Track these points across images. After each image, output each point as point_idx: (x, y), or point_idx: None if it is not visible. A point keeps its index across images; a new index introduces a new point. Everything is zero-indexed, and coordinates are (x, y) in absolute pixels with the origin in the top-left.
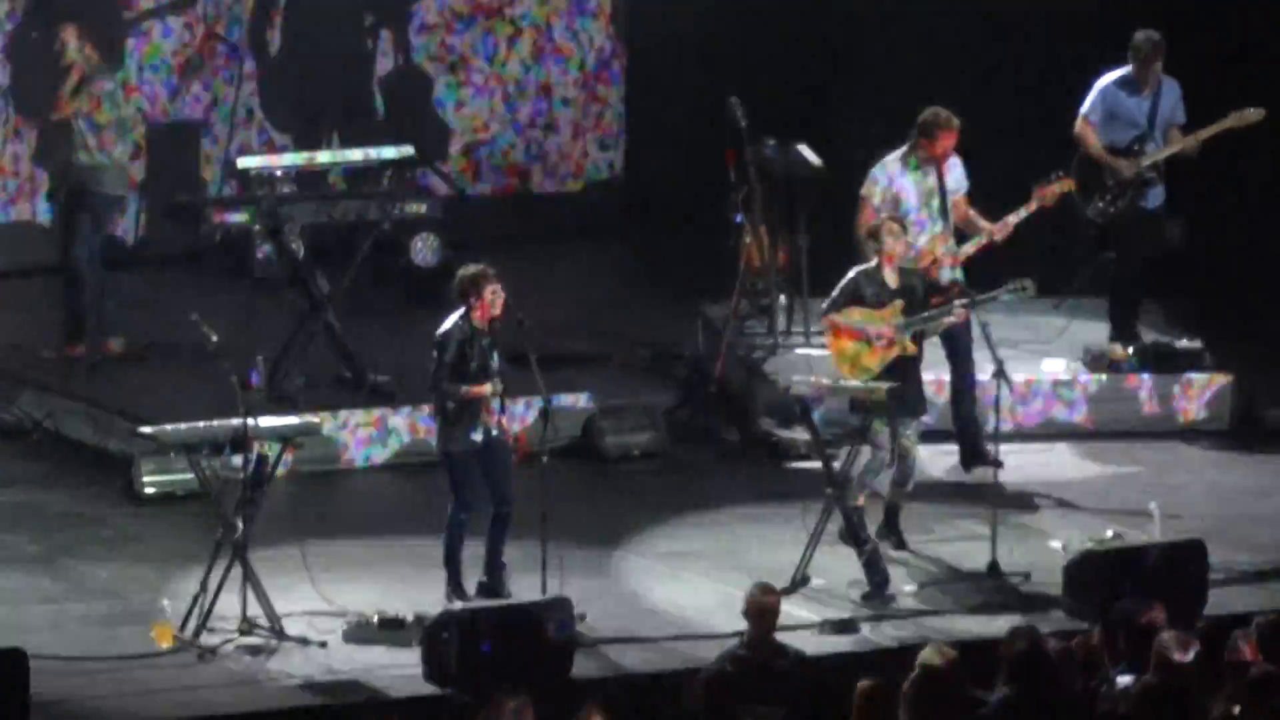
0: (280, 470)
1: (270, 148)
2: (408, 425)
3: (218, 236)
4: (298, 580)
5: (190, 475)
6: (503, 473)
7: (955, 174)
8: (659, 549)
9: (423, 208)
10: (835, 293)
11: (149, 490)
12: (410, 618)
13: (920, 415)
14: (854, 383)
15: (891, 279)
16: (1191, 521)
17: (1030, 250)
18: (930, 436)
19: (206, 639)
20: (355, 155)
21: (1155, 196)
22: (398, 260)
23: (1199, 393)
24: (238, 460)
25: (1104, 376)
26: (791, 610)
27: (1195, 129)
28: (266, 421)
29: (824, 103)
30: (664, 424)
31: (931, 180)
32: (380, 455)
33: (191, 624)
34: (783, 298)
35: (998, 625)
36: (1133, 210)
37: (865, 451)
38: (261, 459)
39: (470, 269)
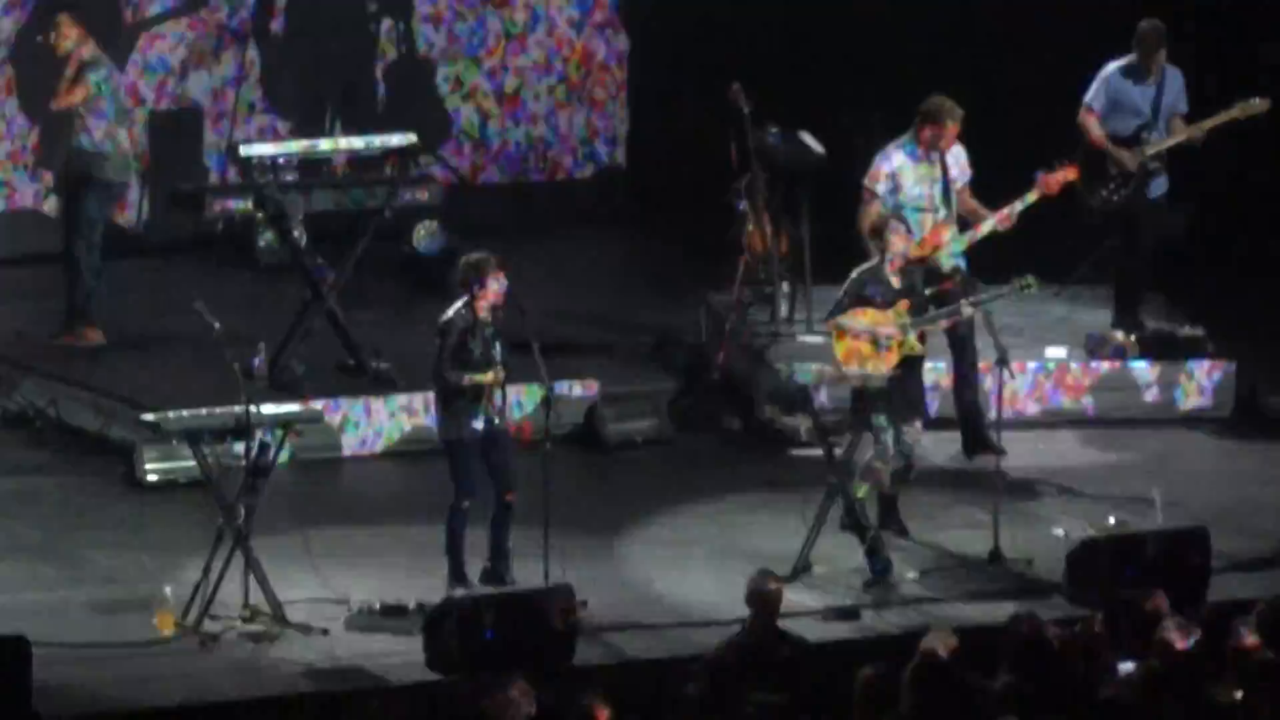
0: (282, 457)
1: (273, 135)
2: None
3: (220, 225)
4: (300, 568)
5: (192, 463)
6: (505, 461)
7: (958, 162)
8: (661, 536)
9: (425, 196)
10: (840, 295)
11: (151, 477)
12: (412, 605)
13: (920, 414)
14: (855, 370)
15: (895, 278)
16: (1193, 508)
17: (1033, 239)
18: (932, 424)
19: (208, 626)
20: (358, 143)
21: (1159, 186)
22: (400, 248)
23: (1201, 380)
24: (240, 447)
25: (1106, 364)
26: (794, 597)
27: (1197, 119)
28: (268, 408)
29: (827, 90)
30: (666, 412)
31: (935, 168)
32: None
33: (194, 611)
34: (785, 285)
35: (1000, 612)
36: (1137, 200)
37: (867, 439)
38: (264, 446)
39: (473, 257)
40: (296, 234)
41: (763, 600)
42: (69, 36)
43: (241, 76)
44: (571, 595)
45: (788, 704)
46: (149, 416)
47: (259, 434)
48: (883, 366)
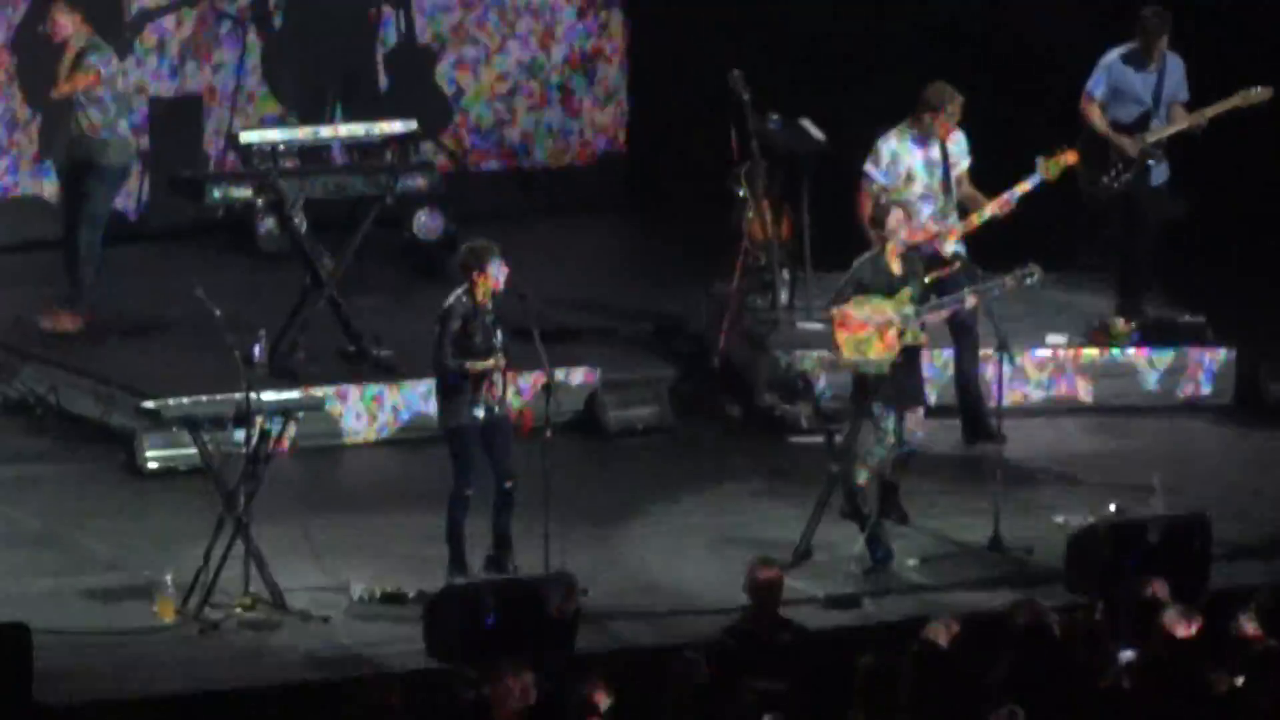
0: (283, 443)
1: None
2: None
3: (220, 211)
4: (300, 555)
5: (193, 450)
6: (505, 449)
7: (958, 148)
8: (661, 523)
9: (425, 182)
10: (842, 284)
11: (151, 465)
12: (413, 593)
13: (921, 401)
14: (855, 358)
15: (896, 266)
16: (1194, 496)
17: (1034, 225)
18: (932, 411)
19: (209, 614)
20: (358, 129)
21: (1160, 173)
22: (400, 234)
23: (1202, 367)
24: (240, 435)
25: (1107, 351)
26: (794, 585)
27: (1198, 106)
28: (269, 395)
29: (827, 77)
30: (667, 399)
31: (935, 154)
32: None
33: (194, 599)
34: (785, 272)
35: (1000, 599)
36: (1138, 186)
37: (868, 427)
38: (264, 433)
39: (474, 244)
40: (296, 221)
41: (763, 588)
42: (65, 24)
43: (241, 64)
44: (572, 583)
45: (788, 691)
46: (149, 404)
47: (259, 421)
48: (884, 355)
